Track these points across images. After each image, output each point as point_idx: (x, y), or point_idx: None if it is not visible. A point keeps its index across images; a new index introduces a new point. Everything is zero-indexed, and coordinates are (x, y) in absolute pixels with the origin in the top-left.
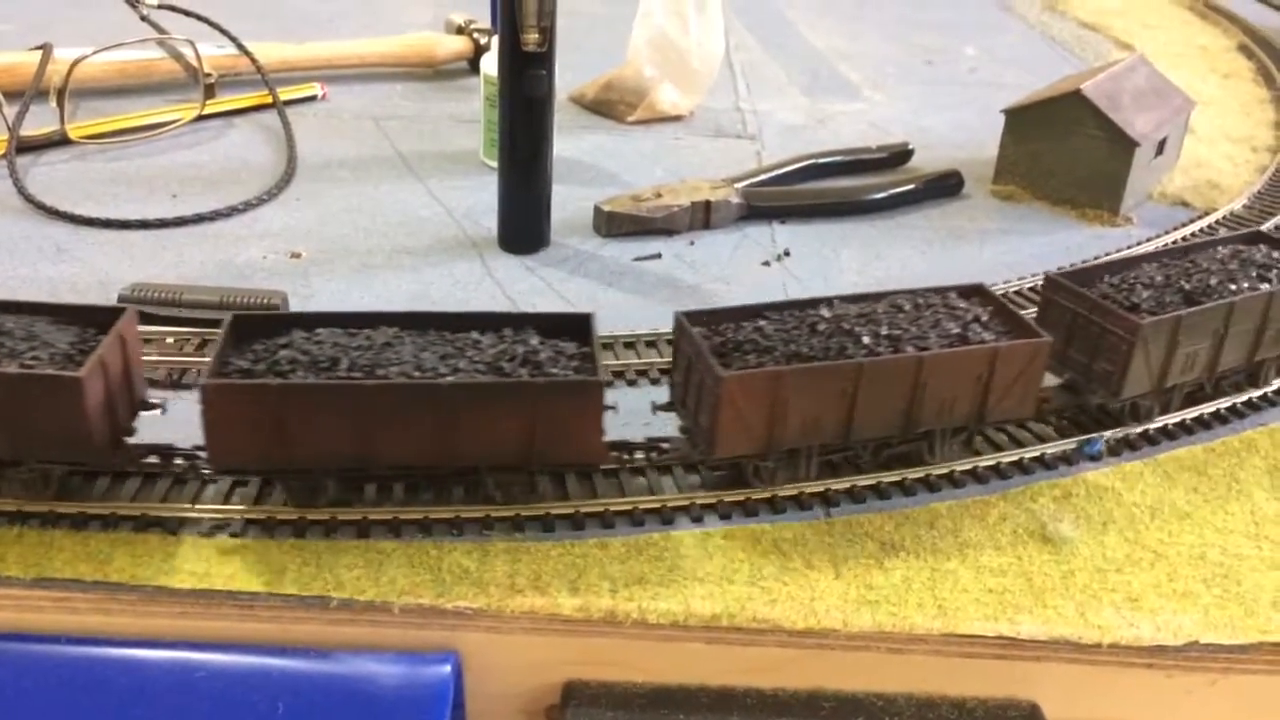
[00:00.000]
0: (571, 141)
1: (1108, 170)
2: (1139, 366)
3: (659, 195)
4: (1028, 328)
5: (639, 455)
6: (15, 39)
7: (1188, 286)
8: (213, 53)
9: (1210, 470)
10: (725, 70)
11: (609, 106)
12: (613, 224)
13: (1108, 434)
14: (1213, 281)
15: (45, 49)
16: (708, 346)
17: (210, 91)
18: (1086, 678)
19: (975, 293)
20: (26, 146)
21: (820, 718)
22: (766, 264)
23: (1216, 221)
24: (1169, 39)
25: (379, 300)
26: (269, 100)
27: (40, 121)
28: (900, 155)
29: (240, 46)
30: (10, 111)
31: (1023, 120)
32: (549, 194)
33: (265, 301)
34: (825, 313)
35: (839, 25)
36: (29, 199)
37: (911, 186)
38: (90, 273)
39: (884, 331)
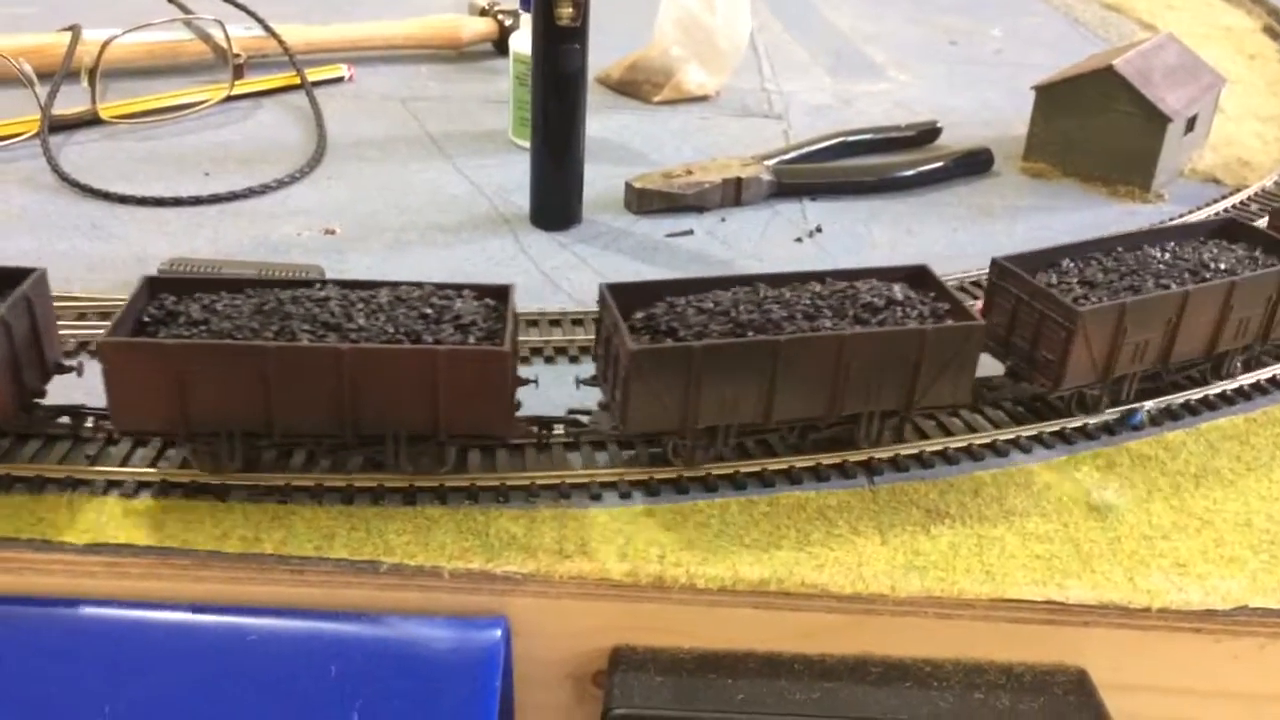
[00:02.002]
0: (598, 121)
1: (1140, 147)
2: (1080, 356)
3: (689, 172)
4: (963, 312)
5: (558, 430)
6: (39, 21)
7: (1144, 274)
8: (240, 34)
9: (1253, 439)
10: (749, 51)
11: (635, 87)
12: (644, 200)
13: (1149, 404)
14: (1171, 269)
15: (74, 30)
16: (629, 320)
17: (239, 72)
18: (1134, 643)
19: (918, 275)
20: (58, 126)
21: (868, 683)
22: (799, 240)
23: (1248, 198)
24: (1193, 20)
25: (414, 276)
26: (296, 81)
27: (70, 101)
28: (928, 133)
29: (267, 28)
30: (42, 91)
31: (1053, 97)
32: (581, 170)
33: (303, 276)
34: (754, 292)
35: (861, 6)
36: (63, 177)
37: (941, 164)
38: (127, 249)
39: (807, 311)
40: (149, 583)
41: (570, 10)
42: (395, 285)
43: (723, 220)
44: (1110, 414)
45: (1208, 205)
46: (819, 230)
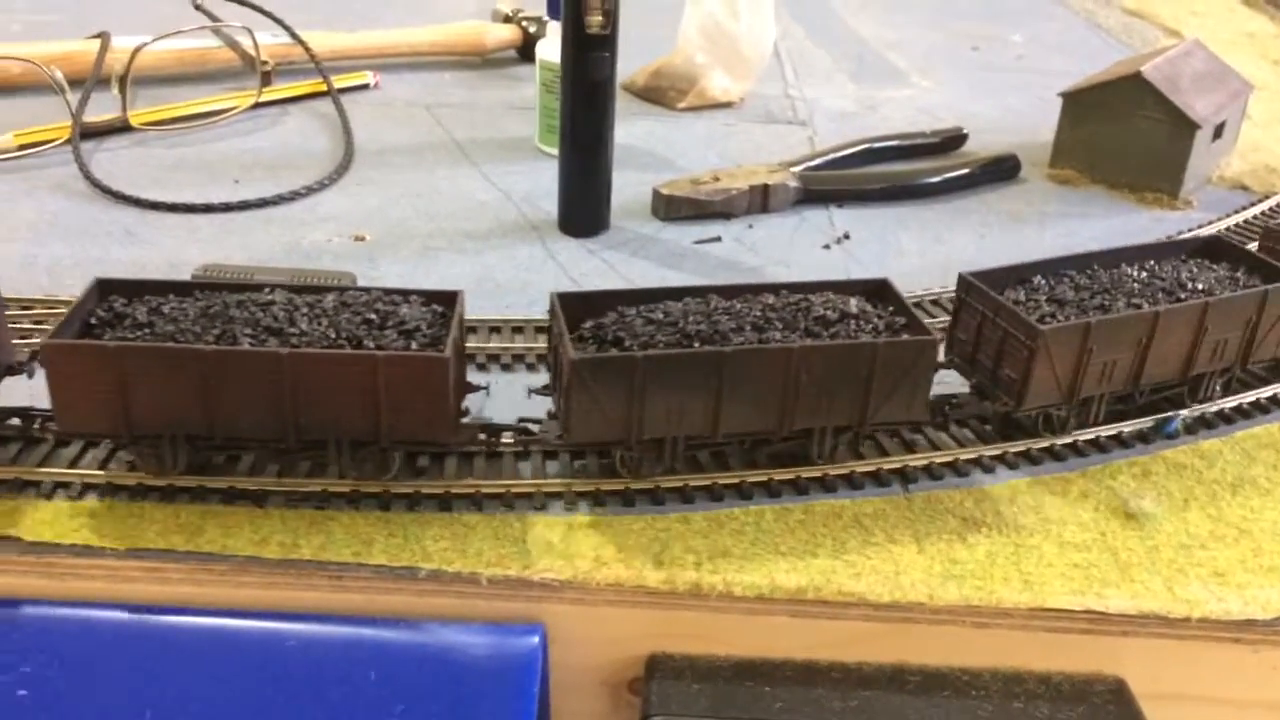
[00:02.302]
0: (623, 128)
1: (1168, 153)
2: (1044, 375)
3: (716, 179)
4: (920, 327)
5: (507, 438)
6: (65, 28)
7: (1117, 292)
8: (266, 41)
9: None
10: (772, 58)
11: (659, 93)
12: (671, 207)
13: (1184, 413)
14: (1146, 289)
15: (103, 37)
16: (580, 330)
17: (267, 79)
18: (1172, 652)
19: (878, 289)
20: (89, 133)
21: (906, 692)
22: (827, 247)
23: (1277, 205)
24: (1217, 26)
25: (443, 282)
26: (323, 88)
27: (99, 108)
28: (954, 140)
29: (294, 35)
30: (73, 98)
31: (1080, 103)
32: (610, 176)
33: (336, 283)
34: (705, 303)
35: (882, 14)
36: (95, 184)
37: (968, 170)
38: (160, 255)
39: (757, 323)
40: (188, 588)
41: (600, 18)
42: (343, 290)
43: (750, 227)
44: (1143, 422)
45: (1236, 212)
46: (847, 237)
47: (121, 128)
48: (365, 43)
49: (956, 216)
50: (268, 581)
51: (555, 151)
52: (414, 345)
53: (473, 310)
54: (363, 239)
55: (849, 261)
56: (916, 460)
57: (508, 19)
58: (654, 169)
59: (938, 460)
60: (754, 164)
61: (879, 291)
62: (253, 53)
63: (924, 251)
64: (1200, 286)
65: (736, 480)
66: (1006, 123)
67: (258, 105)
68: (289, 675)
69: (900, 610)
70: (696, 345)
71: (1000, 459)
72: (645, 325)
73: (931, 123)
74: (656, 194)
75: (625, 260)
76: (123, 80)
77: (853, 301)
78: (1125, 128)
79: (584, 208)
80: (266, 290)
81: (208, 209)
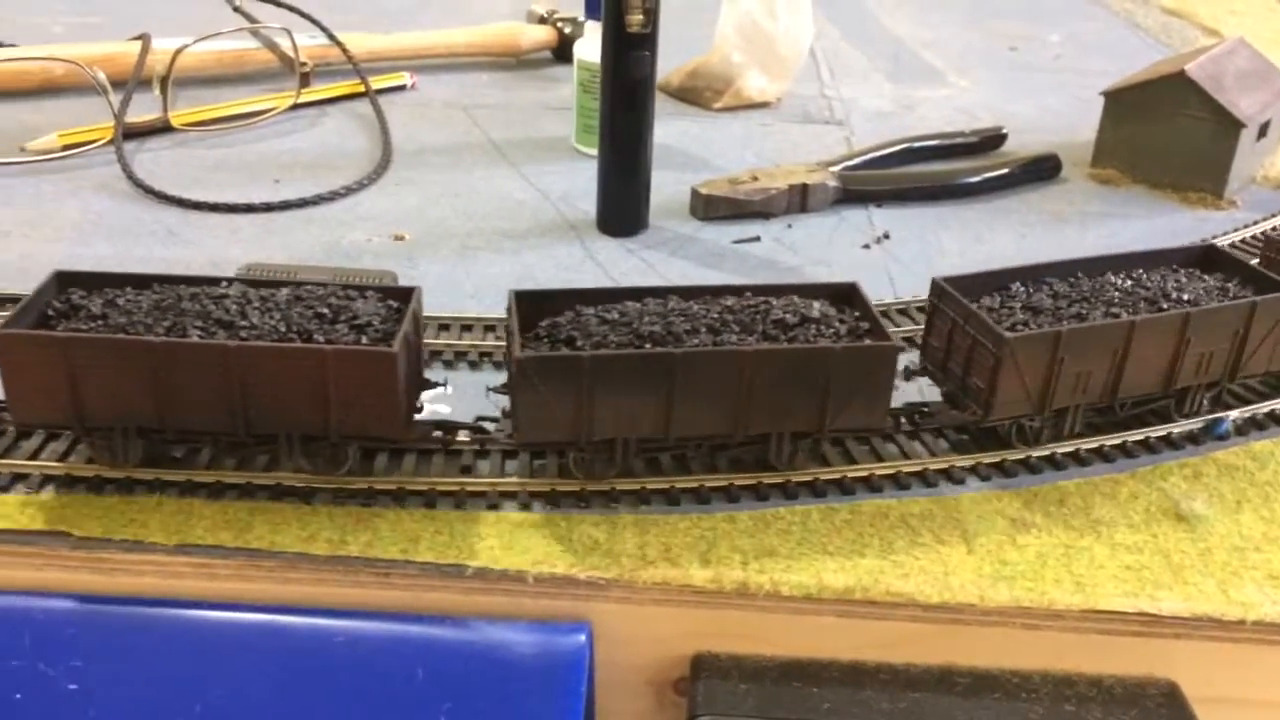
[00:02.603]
0: (660, 128)
1: (1212, 152)
2: (1011, 384)
3: (755, 179)
4: (881, 333)
5: (463, 436)
6: (105, 30)
7: (1096, 301)
8: (304, 43)
9: None
10: (808, 58)
11: (695, 93)
12: (710, 207)
13: (1234, 414)
14: (1128, 298)
15: (144, 39)
16: (536, 328)
17: (305, 80)
18: (1225, 656)
19: (845, 293)
20: (130, 133)
21: (954, 694)
22: (866, 247)
23: None
24: (1256, 25)
25: (483, 281)
26: (360, 89)
27: (140, 109)
28: (993, 139)
29: (331, 37)
30: (115, 99)
31: (1122, 103)
32: (649, 176)
33: (377, 282)
34: (664, 304)
35: (918, 13)
36: (138, 184)
37: (1008, 170)
38: (202, 254)
39: (713, 325)
40: (236, 584)
41: (640, 17)
42: (299, 284)
43: (789, 227)
44: (1193, 423)
45: None
46: (886, 236)
47: (162, 128)
48: (402, 44)
49: (997, 216)
50: (315, 578)
51: (592, 151)
52: (364, 340)
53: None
54: (402, 238)
55: (889, 261)
56: (965, 461)
57: (542, 20)
58: (691, 169)
59: (985, 461)
60: (792, 164)
61: (847, 295)
62: (291, 54)
63: (965, 251)
64: (1186, 297)
65: (782, 480)
66: (1045, 122)
67: (296, 106)
68: (337, 671)
69: (949, 611)
70: (648, 346)
71: (1049, 460)
72: (599, 325)
73: (970, 122)
74: (695, 193)
75: (664, 260)
76: (164, 81)
77: (816, 305)
78: (1168, 127)
79: (623, 207)
80: (224, 284)
81: (249, 209)
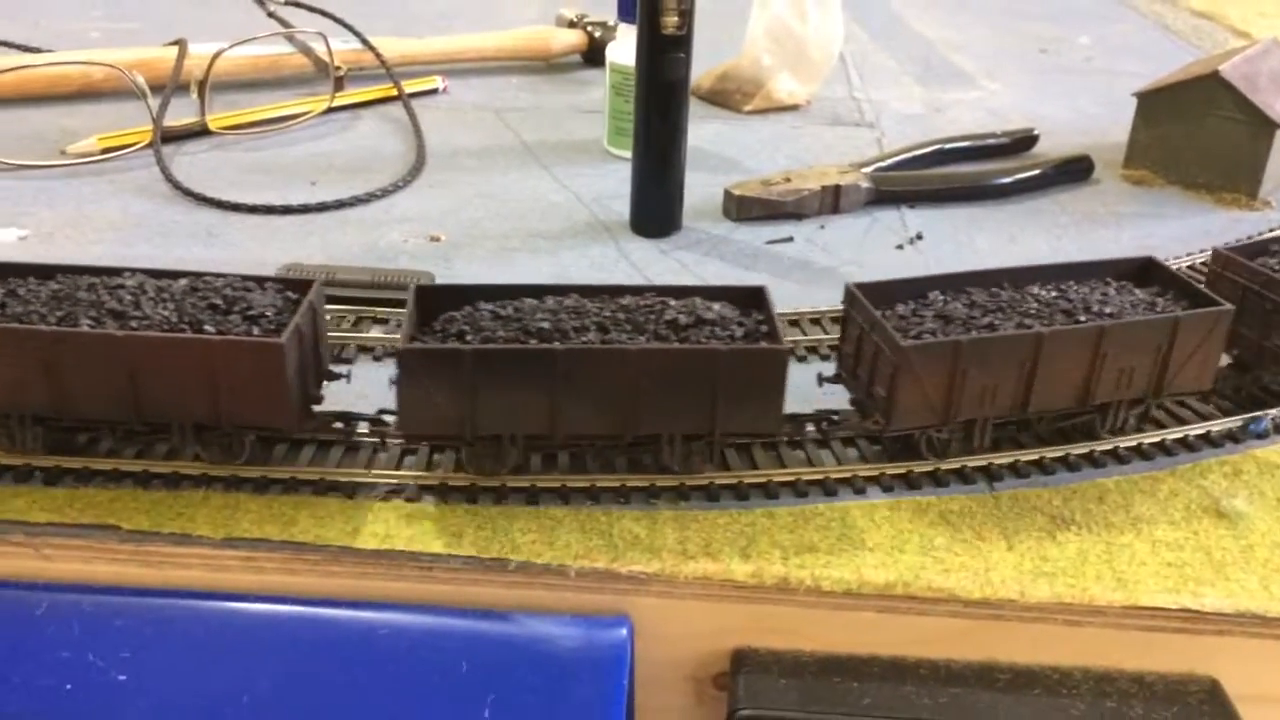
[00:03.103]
0: (691, 130)
1: (1246, 153)
2: (911, 394)
3: (787, 180)
4: (775, 336)
5: (361, 428)
6: (141, 36)
7: (1011, 312)
8: (338, 47)
9: None
10: (837, 61)
11: (725, 96)
12: (743, 208)
13: (1273, 412)
14: (1046, 310)
15: (180, 44)
16: (434, 321)
17: (340, 84)
18: (1267, 653)
19: (752, 296)
20: (169, 137)
21: (995, 690)
22: (900, 247)
23: None
24: None
25: (520, 281)
26: (393, 93)
27: (176, 113)
28: (1024, 141)
29: (365, 41)
30: (153, 103)
31: (1155, 103)
32: (682, 177)
33: (414, 282)
34: (560, 301)
35: (947, 16)
36: (177, 186)
37: (1041, 171)
38: (243, 255)
39: (603, 324)
40: (282, 577)
41: (676, 19)
42: (198, 275)
43: (821, 228)
44: (1233, 421)
45: None
46: (919, 237)
47: (200, 131)
48: (433, 48)
49: (1030, 217)
50: (359, 571)
51: (623, 154)
52: (256, 331)
53: None
54: (438, 239)
55: (922, 261)
56: (1002, 459)
57: (572, 24)
58: (723, 170)
59: (1024, 459)
60: (824, 165)
61: (755, 299)
62: (326, 58)
63: (998, 251)
64: (1109, 310)
65: (820, 476)
66: (1077, 124)
67: (330, 110)
68: (383, 663)
69: (990, 607)
70: (533, 343)
71: (1088, 458)
72: (492, 320)
73: (1000, 124)
74: (728, 194)
75: (698, 260)
76: (202, 85)
77: (715, 307)
78: (1202, 128)
79: (657, 208)
80: (127, 274)
81: (286, 210)
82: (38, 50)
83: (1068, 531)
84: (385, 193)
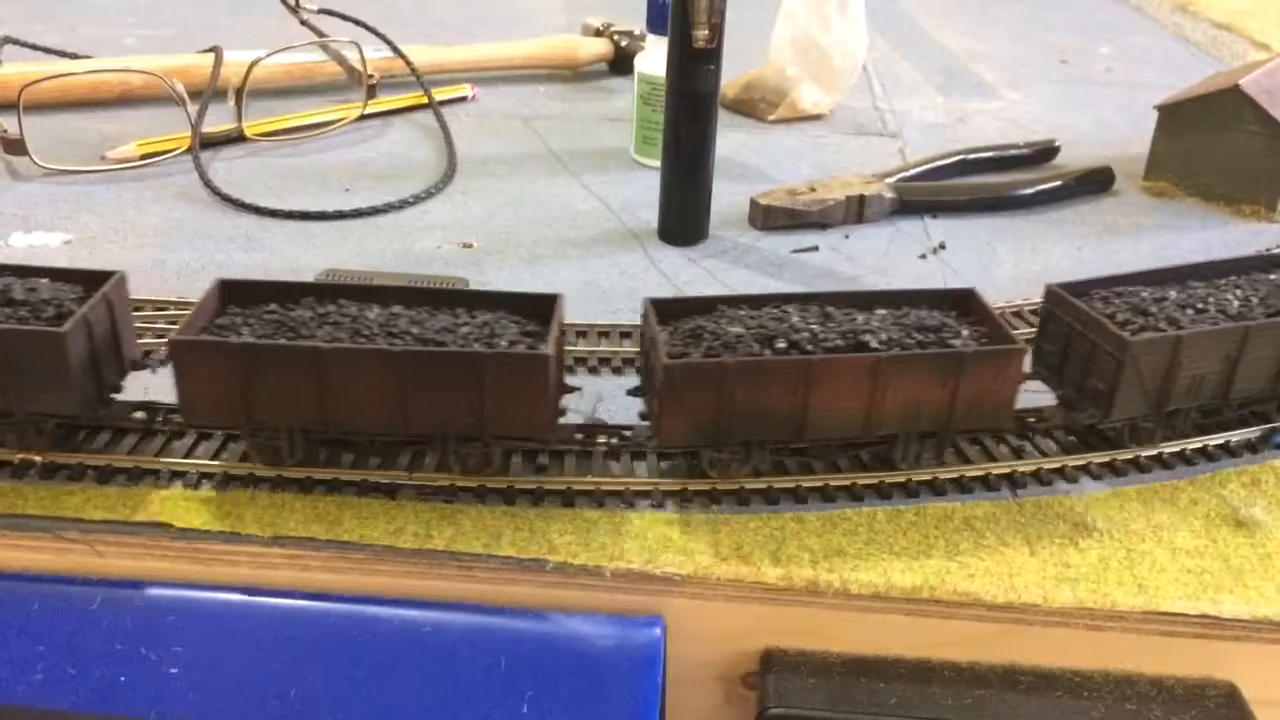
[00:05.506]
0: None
1: (1266, 166)
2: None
3: (812, 190)
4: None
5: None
6: (177, 43)
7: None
8: (369, 56)
9: None
10: (860, 71)
11: (749, 106)
12: (769, 217)
13: None
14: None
15: (216, 52)
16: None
17: (372, 92)
18: None
19: (546, 304)
20: (206, 143)
21: (1018, 692)
22: (923, 257)
23: None
24: None
25: (551, 288)
26: (424, 100)
27: (211, 120)
28: (1046, 152)
29: (395, 50)
30: (191, 110)
31: (1176, 116)
32: (710, 187)
33: (450, 287)
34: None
35: (968, 27)
36: (215, 191)
37: (1062, 182)
38: (281, 259)
39: (392, 330)
40: (326, 575)
41: (706, 32)
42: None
43: (846, 237)
44: (1252, 432)
45: None
46: (943, 247)
47: (236, 138)
48: (462, 56)
49: (1052, 228)
50: (402, 570)
51: (651, 162)
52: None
53: (582, 315)
54: (471, 246)
55: (945, 271)
56: (1026, 466)
57: (598, 33)
58: (748, 180)
59: (1047, 467)
60: (849, 175)
61: (547, 307)
62: (359, 66)
63: (1020, 261)
64: (882, 338)
65: (848, 482)
66: (1098, 135)
67: (363, 117)
68: (424, 660)
69: (1014, 611)
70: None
71: (1109, 466)
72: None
73: (1022, 135)
74: (754, 204)
75: (726, 268)
76: (239, 92)
77: (511, 322)
78: (1222, 140)
79: (685, 217)
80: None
81: (322, 216)
82: (75, 56)
83: (1089, 538)
84: (418, 199)
